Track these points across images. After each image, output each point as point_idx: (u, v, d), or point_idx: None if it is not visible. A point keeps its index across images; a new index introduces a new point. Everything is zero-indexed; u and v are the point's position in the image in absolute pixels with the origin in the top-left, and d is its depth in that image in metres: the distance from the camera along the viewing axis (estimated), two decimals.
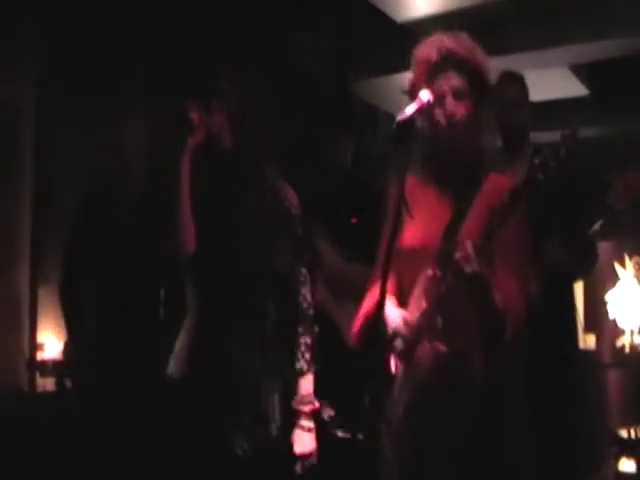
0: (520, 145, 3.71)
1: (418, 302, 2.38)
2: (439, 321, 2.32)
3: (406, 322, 2.37)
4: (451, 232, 2.39)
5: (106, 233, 3.58)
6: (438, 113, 2.39)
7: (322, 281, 3.88)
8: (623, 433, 5.15)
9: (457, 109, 2.40)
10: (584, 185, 3.67)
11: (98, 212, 3.61)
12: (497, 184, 2.44)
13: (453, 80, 2.41)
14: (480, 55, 2.46)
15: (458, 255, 2.20)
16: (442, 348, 2.30)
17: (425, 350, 2.34)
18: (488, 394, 2.34)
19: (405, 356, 2.40)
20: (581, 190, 3.60)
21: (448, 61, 2.42)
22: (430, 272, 2.33)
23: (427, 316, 2.34)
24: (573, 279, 3.80)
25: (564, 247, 3.45)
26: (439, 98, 2.39)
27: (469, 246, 2.19)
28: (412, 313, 2.40)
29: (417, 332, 2.35)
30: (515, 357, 2.45)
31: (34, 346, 4.39)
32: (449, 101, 2.40)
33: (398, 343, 2.39)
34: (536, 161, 2.20)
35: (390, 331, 2.37)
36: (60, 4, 4.42)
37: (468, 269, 2.18)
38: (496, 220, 2.26)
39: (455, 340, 2.32)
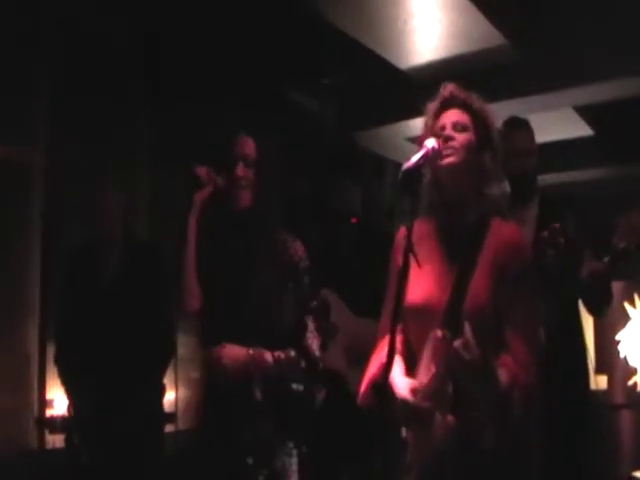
0: (530, 191, 3.69)
1: (427, 366, 2.30)
2: (450, 387, 2.21)
3: (415, 393, 2.28)
4: (459, 289, 2.33)
5: (100, 289, 3.62)
6: (438, 143, 2.37)
7: (336, 345, 3.88)
8: (638, 475, 5.09)
9: (455, 137, 2.39)
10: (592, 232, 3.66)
11: (89, 273, 3.66)
12: (502, 233, 2.42)
13: (454, 116, 2.44)
14: (478, 98, 2.49)
15: (457, 343, 2.12)
16: (452, 421, 2.20)
17: (436, 423, 2.24)
18: (501, 463, 2.27)
19: (416, 426, 2.31)
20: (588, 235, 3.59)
21: (450, 101, 2.47)
22: (439, 334, 2.25)
23: (437, 381, 2.23)
24: (579, 319, 3.75)
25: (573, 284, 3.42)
26: (440, 130, 2.41)
27: (469, 332, 2.11)
28: (422, 378, 2.31)
29: (427, 400, 2.25)
30: (526, 419, 2.41)
31: (43, 403, 4.37)
32: (447, 130, 2.40)
33: (407, 414, 2.29)
34: (544, 234, 2.17)
35: (398, 402, 2.28)
36: (70, 69, 4.47)
37: (469, 358, 2.10)
38: (506, 296, 2.26)
39: (467, 408, 2.22)
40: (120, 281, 3.62)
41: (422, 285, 2.33)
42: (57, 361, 3.75)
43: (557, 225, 2.10)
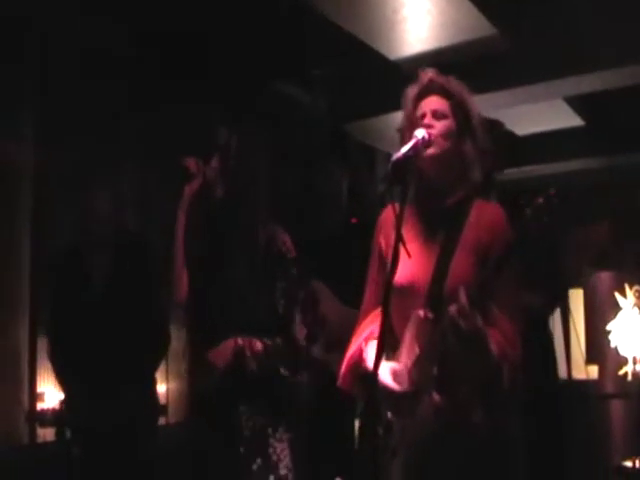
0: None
1: (411, 347, 2.28)
2: (434, 368, 2.21)
3: (396, 376, 2.28)
4: (441, 269, 2.34)
5: (91, 288, 3.61)
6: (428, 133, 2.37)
7: (326, 337, 3.86)
8: (628, 464, 5.10)
9: (435, 124, 2.40)
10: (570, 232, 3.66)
11: (80, 271, 3.65)
12: (484, 214, 2.43)
13: (433, 103, 2.45)
14: (457, 83, 2.50)
15: (453, 309, 2.11)
16: (439, 400, 2.19)
17: (423, 403, 2.22)
18: (489, 444, 2.27)
19: (400, 410, 2.30)
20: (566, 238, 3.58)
21: (429, 88, 2.48)
22: (422, 314, 2.26)
23: (421, 363, 2.23)
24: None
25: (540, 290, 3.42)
26: (420, 118, 2.42)
27: (464, 298, 2.10)
28: (405, 360, 2.30)
29: (411, 383, 2.25)
30: (512, 403, 2.39)
31: (33, 396, 4.35)
32: (427, 118, 2.41)
33: (392, 401, 2.29)
34: (528, 212, 2.14)
35: (381, 390, 2.27)
36: (58, 66, 4.44)
37: (464, 324, 2.10)
38: (490, 272, 2.24)
39: (453, 388, 2.21)
40: (111, 278, 3.61)
41: (404, 266, 2.27)
42: (50, 357, 3.74)
43: (540, 200, 2.06)
